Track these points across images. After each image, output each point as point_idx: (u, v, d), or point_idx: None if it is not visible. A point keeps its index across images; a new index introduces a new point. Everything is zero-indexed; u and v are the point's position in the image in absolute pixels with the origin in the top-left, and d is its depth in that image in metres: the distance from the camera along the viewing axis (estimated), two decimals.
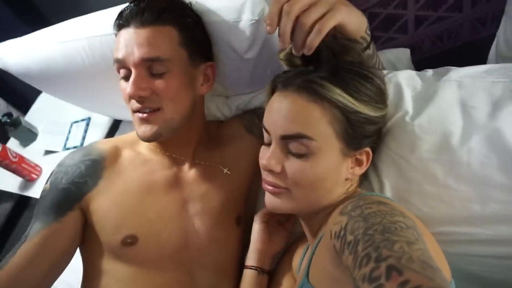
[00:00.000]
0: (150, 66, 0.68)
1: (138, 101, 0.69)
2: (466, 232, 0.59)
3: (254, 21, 0.74)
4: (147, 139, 0.72)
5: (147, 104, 0.69)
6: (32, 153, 1.36)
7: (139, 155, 0.78)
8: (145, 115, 0.70)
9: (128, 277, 0.69)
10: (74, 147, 1.30)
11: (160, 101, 0.70)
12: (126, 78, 0.70)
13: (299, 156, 0.56)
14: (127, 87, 0.69)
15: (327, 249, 0.50)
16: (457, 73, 0.64)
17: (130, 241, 0.69)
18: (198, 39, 0.76)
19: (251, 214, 0.81)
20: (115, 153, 0.77)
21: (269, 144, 0.60)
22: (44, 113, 1.52)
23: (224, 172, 0.81)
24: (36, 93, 1.60)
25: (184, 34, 0.72)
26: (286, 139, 0.56)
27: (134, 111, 0.71)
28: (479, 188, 0.56)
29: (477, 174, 0.56)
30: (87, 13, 0.93)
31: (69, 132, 1.37)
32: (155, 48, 0.68)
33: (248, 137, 0.88)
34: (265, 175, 0.60)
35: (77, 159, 0.74)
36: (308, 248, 0.70)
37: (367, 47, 0.63)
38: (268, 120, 0.59)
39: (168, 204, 0.75)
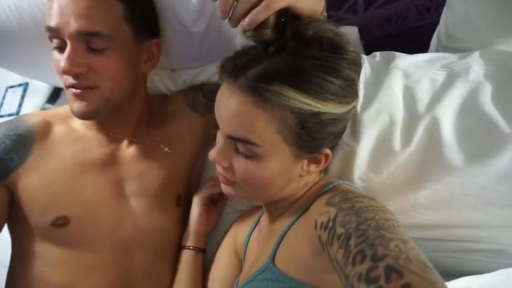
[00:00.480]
0: (88, 40, 0.62)
1: (73, 77, 0.64)
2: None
3: None
4: (83, 117, 0.67)
5: (83, 81, 0.64)
6: None
7: (73, 131, 0.73)
8: (79, 91, 0.65)
9: (58, 259, 0.67)
10: (9, 115, 1.21)
11: (97, 79, 0.64)
12: (60, 49, 0.64)
13: (247, 156, 0.52)
14: (61, 60, 0.62)
15: (308, 238, 0.49)
16: (403, 61, 0.65)
17: (61, 222, 0.66)
18: (145, 14, 0.70)
19: (194, 193, 0.80)
20: (46, 128, 0.71)
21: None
22: None
23: (165, 150, 0.79)
24: None
25: (129, 9, 0.66)
26: (232, 139, 0.53)
27: (68, 87, 0.66)
28: (415, 176, 0.59)
29: (415, 163, 0.59)
30: None
31: (4, 97, 1.26)
32: (95, 21, 0.62)
33: (191, 115, 0.85)
34: (217, 167, 0.58)
35: (1, 133, 0.67)
36: (256, 224, 0.70)
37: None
38: (216, 113, 0.55)
39: (104, 183, 0.71)
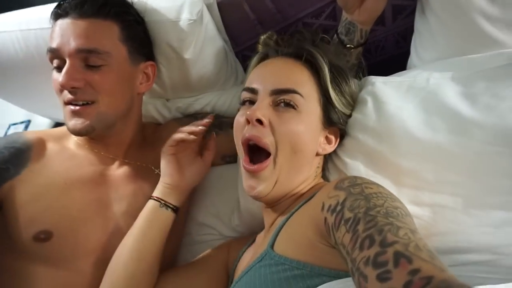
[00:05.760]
0: (86, 58, 0.67)
1: (70, 92, 0.67)
2: None
3: (192, 21, 0.77)
4: (78, 133, 0.69)
5: (80, 96, 0.67)
6: None
7: (65, 150, 0.76)
8: (77, 107, 0.68)
9: (35, 276, 0.65)
10: None
11: (95, 94, 0.68)
12: (59, 68, 0.68)
13: (288, 107, 0.59)
14: (59, 77, 0.67)
15: (312, 219, 0.50)
16: (374, 78, 0.70)
17: (43, 237, 0.65)
18: (139, 38, 0.76)
19: (184, 214, 0.79)
20: (42, 145, 0.74)
21: (246, 102, 0.63)
22: None
23: (156, 173, 0.80)
24: None
25: (125, 31, 0.72)
26: (277, 93, 0.59)
27: (66, 103, 0.69)
28: (393, 175, 0.60)
29: (390, 161, 0.60)
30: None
31: (5, 134, 1.30)
32: (93, 40, 0.67)
33: None
34: (248, 131, 0.59)
35: (1, 145, 0.70)
36: (247, 248, 0.70)
37: (363, 44, 0.74)
38: (257, 79, 0.63)
39: (90, 201, 0.72)
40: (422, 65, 0.69)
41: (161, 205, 0.67)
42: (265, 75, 0.63)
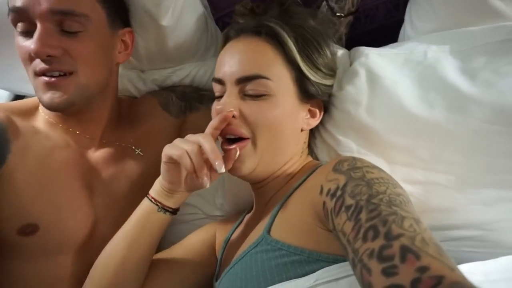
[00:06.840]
0: (61, 21, 0.58)
1: (44, 61, 0.58)
2: None
3: None
4: (56, 108, 0.61)
5: (57, 66, 0.58)
6: None
7: (38, 129, 0.66)
8: (53, 79, 0.59)
9: (16, 272, 0.60)
10: None
11: (73, 64, 0.59)
12: (26, 33, 0.58)
13: (257, 97, 0.55)
14: (30, 44, 0.57)
15: (310, 203, 0.48)
16: (367, 49, 0.67)
17: (29, 231, 0.59)
18: (118, 1, 0.68)
19: None
20: (12, 123, 0.64)
21: (220, 97, 0.59)
22: None
23: (136, 153, 0.74)
24: None
25: None
26: (242, 82, 0.56)
27: (38, 75, 0.59)
28: (386, 152, 0.59)
29: (383, 138, 0.58)
30: None
31: None
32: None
33: (164, 115, 0.81)
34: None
35: None
36: (235, 229, 0.67)
37: (354, 12, 0.71)
38: (222, 68, 0.59)
39: (79, 188, 0.66)
40: (416, 36, 0.66)
41: (159, 209, 0.58)
42: (228, 63, 0.58)
